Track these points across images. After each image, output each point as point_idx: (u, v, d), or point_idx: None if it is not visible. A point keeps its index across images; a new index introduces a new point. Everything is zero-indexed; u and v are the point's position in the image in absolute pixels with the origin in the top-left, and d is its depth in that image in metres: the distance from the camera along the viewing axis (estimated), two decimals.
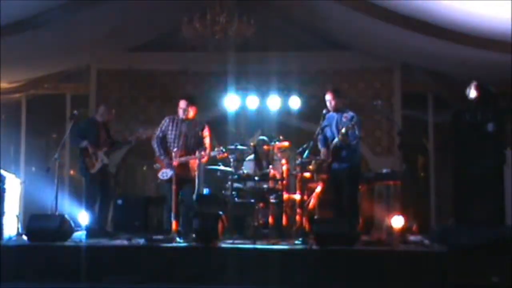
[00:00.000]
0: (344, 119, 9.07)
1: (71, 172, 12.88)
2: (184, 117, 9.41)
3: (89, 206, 9.97)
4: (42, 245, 8.51)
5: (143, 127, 10.49)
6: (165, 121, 9.62)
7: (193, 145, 9.43)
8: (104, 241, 9.38)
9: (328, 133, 9.33)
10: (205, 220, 8.80)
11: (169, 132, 9.52)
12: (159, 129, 9.62)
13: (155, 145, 9.56)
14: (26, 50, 10.38)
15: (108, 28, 11.25)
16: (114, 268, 8.05)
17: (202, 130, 9.54)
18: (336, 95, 9.36)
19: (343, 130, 8.90)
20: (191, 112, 9.45)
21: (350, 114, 9.14)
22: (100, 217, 10.06)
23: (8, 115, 12.91)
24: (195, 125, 9.50)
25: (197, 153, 9.39)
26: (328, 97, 9.33)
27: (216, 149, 9.42)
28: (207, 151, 9.44)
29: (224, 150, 9.44)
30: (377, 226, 10.10)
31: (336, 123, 9.22)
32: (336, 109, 9.28)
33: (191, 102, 9.52)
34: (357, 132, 9.00)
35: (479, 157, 8.71)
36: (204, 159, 9.58)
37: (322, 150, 9.40)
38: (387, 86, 12.64)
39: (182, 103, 9.45)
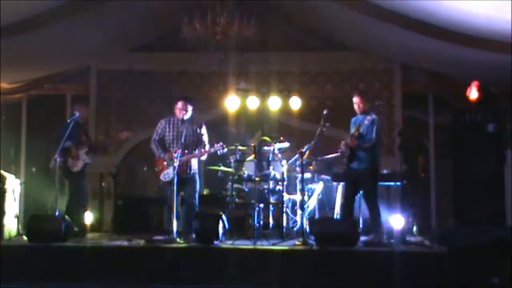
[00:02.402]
0: (366, 122, 9.05)
1: None
2: (182, 117, 9.42)
3: (81, 205, 9.99)
4: (42, 246, 8.52)
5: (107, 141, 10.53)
6: (161, 124, 9.61)
7: (193, 144, 9.44)
8: (105, 242, 9.42)
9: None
10: (205, 220, 8.81)
11: (167, 133, 9.52)
12: (155, 132, 9.60)
13: (153, 146, 9.55)
14: (26, 50, 10.38)
15: (109, 28, 11.24)
16: (115, 268, 8.05)
17: (200, 128, 9.56)
18: (364, 98, 9.34)
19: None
20: (189, 112, 9.46)
21: (372, 117, 9.11)
22: (82, 215, 10.01)
23: (8, 116, 12.90)
24: (192, 124, 9.51)
25: (197, 150, 9.41)
26: (356, 99, 9.31)
27: (215, 145, 9.43)
28: (207, 147, 9.45)
29: (223, 145, 9.44)
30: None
31: (359, 125, 9.20)
32: (362, 112, 9.26)
33: (188, 102, 9.53)
34: (373, 135, 8.98)
35: (479, 158, 8.70)
36: (205, 156, 9.59)
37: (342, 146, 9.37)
38: (388, 86, 12.62)
39: (180, 104, 9.47)
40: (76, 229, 9.39)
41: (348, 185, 9.35)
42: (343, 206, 9.36)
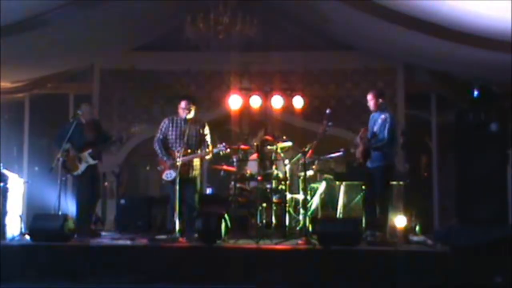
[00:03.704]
0: (380, 120, 9.03)
1: None
2: (185, 116, 9.42)
3: (77, 206, 10.00)
4: (44, 245, 8.52)
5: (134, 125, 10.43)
6: (165, 123, 9.62)
7: (195, 143, 9.46)
8: (107, 241, 9.42)
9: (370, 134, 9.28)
10: (208, 220, 8.81)
11: (170, 132, 9.53)
12: (159, 131, 9.61)
13: (156, 147, 9.56)
14: (29, 50, 10.40)
15: (112, 27, 11.25)
16: (117, 268, 8.04)
17: (203, 128, 9.57)
18: (377, 95, 9.31)
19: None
20: (192, 112, 9.47)
21: (385, 115, 9.06)
22: (85, 217, 10.00)
23: (11, 115, 12.92)
24: (195, 124, 9.52)
25: (199, 151, 9.43)
26: (369, 97, 9.31)
27: (218, 145, 9.44)
28: (210, 148, 9.47)
29: (226, 146, 9.45)
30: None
31: (373, 123, 9.19)
32: (376, 109, 9.24)
33: (192, 101, 9.55)
34: (386, 134, 8.95)
35: (482, 157, 8.69)
36: (208, 156, 9.61)
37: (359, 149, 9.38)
38: (390, 86, 12.62)
39: (184, 103, 9.48)
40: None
41: (367, 186, 9.32)
42: (366, 208, 9.29)
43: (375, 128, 8.99)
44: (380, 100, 9.26)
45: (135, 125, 10.11)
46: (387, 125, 8.92)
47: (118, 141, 10.65)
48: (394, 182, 10.04)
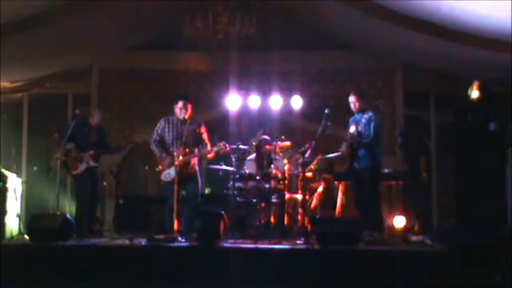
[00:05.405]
0: (363, 120, 9.06)
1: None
2: (183, 117, 9.42)
3: (76, 206, 10.00)
4: (43, 245, 8.52)
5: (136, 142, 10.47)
6: (161, 123, 9.63)
7: (193, 143, 9.47)
8: (106, 241, 9.42)
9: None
10: (207, 219, 8.80)
11: (167, 133, 9.53)
12: (155, 132, 9.62)
13: (153, 146, 9.56)
14: (27, 49, 10.37)
15: (111, 27, 11.24)
16: (116, 268, 8.04)
17: (199, 127, 9.57)
18: (360, 96, 9.35)
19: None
20: (189, 111, 9.47)
21: (369, 114, 9.14)
22: (86, 217, 10.01)
23: (9, 115, 12.90)
24: (192, 123, 9.52)
25: (197, 150, 9.42)
26: (352, 98, 9.34)
27: (218, 144, 9.44)
28: (208, 147, 9.47)
29: (226, 145, 9.45)
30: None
31: (356, 123, 9.21)
32: (359, 110, 9.27)
33: (188, 101, 9.55)
34: (371, 131, 8.98)
35: (481, 157, 8.71)
36: (210, 155, 9.62)
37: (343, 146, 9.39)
38: (389, 86, 12.60)
39: (181, 103, 9.49)
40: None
41: (355, 186, 9.34)
42: (359, 209, 9.30)
43: (360, 128, 9.02)
44: (362, 101, 9.30)
45: (136, 135, 10.14)
46: (372, 123, 9.00)
47: (116, 152, 10.71)
48: (393, 182, 10.07)
